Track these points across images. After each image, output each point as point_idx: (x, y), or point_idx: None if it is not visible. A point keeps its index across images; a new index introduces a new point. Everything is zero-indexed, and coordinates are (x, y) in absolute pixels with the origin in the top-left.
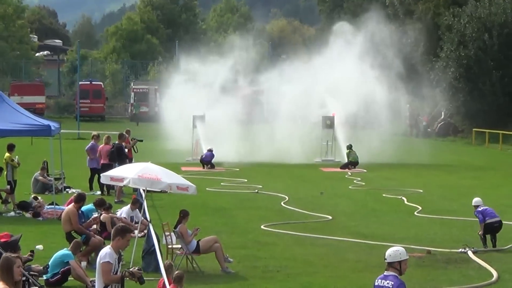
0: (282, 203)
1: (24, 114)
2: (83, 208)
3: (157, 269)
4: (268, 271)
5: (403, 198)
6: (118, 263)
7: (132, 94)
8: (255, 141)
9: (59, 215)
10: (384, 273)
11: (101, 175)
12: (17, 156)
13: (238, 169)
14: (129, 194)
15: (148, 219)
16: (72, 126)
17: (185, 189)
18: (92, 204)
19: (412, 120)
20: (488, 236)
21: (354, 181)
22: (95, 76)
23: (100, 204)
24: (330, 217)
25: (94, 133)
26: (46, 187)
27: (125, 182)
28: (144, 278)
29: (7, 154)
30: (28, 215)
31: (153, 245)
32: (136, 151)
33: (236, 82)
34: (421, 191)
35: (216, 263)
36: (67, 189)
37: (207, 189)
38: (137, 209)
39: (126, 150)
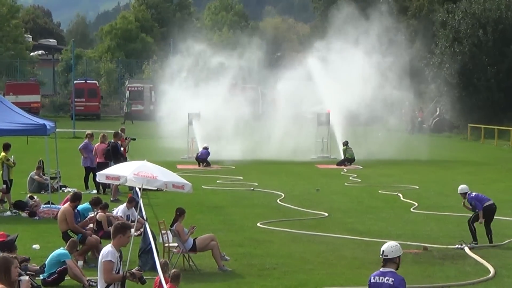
0: (278, 201)
1: (20, 114)
2: (79, 207)
3: (154, 267)
4: (265, 269)
5: (399, 194)
6: (120, 261)
7: (127, 92)
8: (251, 139)
9: (55, 214)
10: (381, 270)
11: (96, 173)
12: (12, 156)
13: (234, 167)
14: (125, 192)
15: (145, 217)
16: (68, 125)
17: (181, 187)
18: (88, 203)
19: (408, 116)
20: (479, 231)
21: (350, 178)
22: (90, 75)
23: (96, 203)
24: (326, 214)
25: (88, 132)
26: (42, 186)
27: (121, 181)
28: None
29: (2, 154)
30: (24, 214)
31: (150, 243)
32: (127, 150)
33: (231, 79)
34: (417, 187)
35: (213, 261)
36: (63, 188)
37: (203, 187)
38: (133, 208)
39: (122, 148)
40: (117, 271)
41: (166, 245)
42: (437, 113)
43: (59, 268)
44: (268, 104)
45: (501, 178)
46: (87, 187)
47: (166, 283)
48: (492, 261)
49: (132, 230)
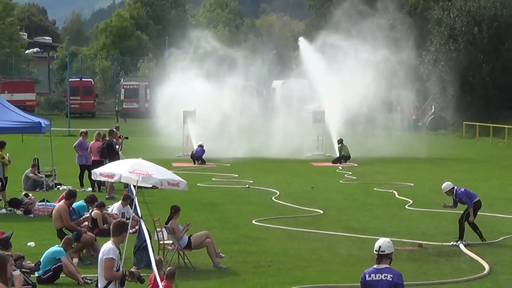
0: (273, 198)
1: (15, 112)
2: (74, 204)
3: (149, 265)
4: (260, 266)
5: (394, 191)
6: (119, 258)
7: (122, 90)
8: (246, 137)
9: (50, 212)
10: (375, 266)
11: (91, 171)
12: (8, 153)
13: (229, 165)
14: (120, 190)
15: (140, 215)
16: (63, 123)
17: (176, 185)
18: (83, 200)
19: (403, 114)
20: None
21: (345, 175)
22: (85, 73)
23: (91, 201)
24: (321, 212)
25: (82, 130)
26: (37, 184)
27: (115, 178)
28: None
29: None
30: (19, 212)
31: (145, 241)
32: (120, 148)
33: (226, 77)
34: (412, 184)
35: (208, 259)
36: (58, 186)
37: (198, 184)
38: (128, 205)
39: (117, 146)
40: (117, 269)
41: (161, 242)
42: (432, 110)
43: (54, 266)
44: (264, 102)
45: (496, 175)
46: (82, 185)
47: (161, 281)
48: (487, 258)
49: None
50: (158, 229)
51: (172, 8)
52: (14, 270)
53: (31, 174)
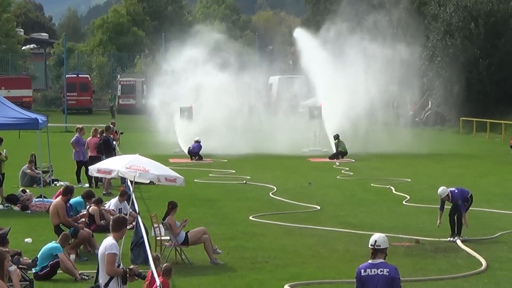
0: (270, 194)
1: (11, 108)
2: (72, 201)
3: (146, 261)
4: (257, 262)
5: (391, 187)
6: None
7: (119, 86)
8: (243, 133)
9: (47, 208)
10: (370, 261)
11: (88, 167)
12: (5, 150)
13: (226, 160)
14: (117, 186)
15: (137, 211)
16: (59, 119)
17: (173, 181)
18: (80, 196)
19: (400, 110)
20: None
21: (342, 171)
22: (82, 69)
23: (88, 196)
24: (319, 207)
25: (78, 126)
26: (34, 180)
27: (113, 174)
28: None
29: None
30: (16, 208)
31: (142, 237)
32: (118, 144)
33: (223, 73)
34: (409, 180)
35: (205, 255)
36: (55, 182)
37: (195, 180)
38: (125, 201)
39: (114, 142)
40: (117, 265)
41: (158, 238)
42: (429, 106)
43: (51, 262)
44: (260, 98)
45: (492, 171)
46: (79, 181)
47: (158, 277)
48: (484, 254)
49: None
50: (155, 225)
51: (168, 4)
52: (10, 266)
53: (28, 170)
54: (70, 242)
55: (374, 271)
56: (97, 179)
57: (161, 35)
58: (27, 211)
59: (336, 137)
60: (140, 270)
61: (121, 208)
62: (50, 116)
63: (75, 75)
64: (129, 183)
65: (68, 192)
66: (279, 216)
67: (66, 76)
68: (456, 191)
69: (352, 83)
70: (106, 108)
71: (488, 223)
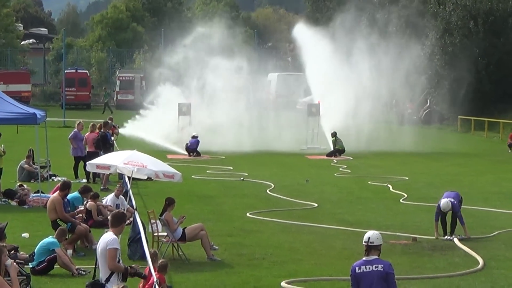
0: (267, 191)
1: (10, 103)
2: (69, 196)
3: (143, 257)
4: (254, 259)
5: (389, 185)
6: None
7: (118, 82)
8: (242, 129)
9: (45, 203)
10: (364, 259)
11: (87, 163)
12: (2, 145)
13: (224, 157)
14: (115, 182)
15: (134, 206)
16: (58, 114)
17: (171, 177)
18: (77, 192)
19: (398, 108)
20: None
21: (340, 169)
22: (81, 65)
23: (85, 191)
24: (316, 205)
25: (78, 121)
26: (32, 175)
27: (111, 170)
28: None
29: None
30: (13, 203)
31: (139, 233)
32: (115, 139)
33: (222, 70)
34: (407, 178)
35: (202, 251)
36: (52, 177)
37: (192, 176)
38: (123, 197)
39: (113, 138)
40: (118, 260)
41: (156, 234)
42: (427, 104)
43: (48, 257)
44: (259, 95)
45: (490, 170)
46: (76, 176)
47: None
48: (481, 253)
49: None
50: (153, 221)
51: (168, 0)
52: (6, 261)
53: (26, 165)
54: (67, 238)
55: (369, 268)
56: (95, 175)
57: (160, 31)
58: (25, 206)
59: (334, 134)
60: (134, 266)
61: (119, 204)
62: (49, 111)
63: (74, 70)
64: (126, 179)
65: (65, 187)
66: (277, 213)
67: (65, 71)
68: (455, 202)
69: (350, 81)
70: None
71: (485, 222)
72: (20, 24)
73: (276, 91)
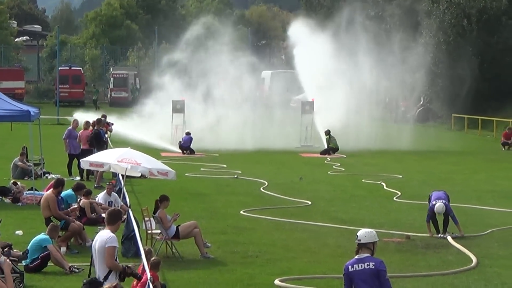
0: (261, 189)
1: (4, 100)
2: (63, 193)
3: (137, 254)
4: (247, 256)
5: (383, 183)
6: None
7: (112, 79)
8: (235, 127)
9: (39, 201)
10: (356, 257)
11: (80, 160)
12: None
13: (217, 155)
14: (109, 179)
15: (128, 204)
16: (52, 111)
17: (164, 174)
18: (71, 189)
19: (391, 106)
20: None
21: (334, 167)
22: (75, 62)
23: (78, 188)
24: (310, 203)
25: (74, 119)
26: (26, 173)
27: (105, 168)
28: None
29: None
30: (7, 200)
31: (133, 230)
32: (109, 136)
33: (215, 68)
34: (401, 176)
35: (196, 248)
36: (46, 175)
37: (186, 174)
38: (116, 194)
39: (106, 135)
40: (115, 258)
41: (149, 232)
42: (421, 102)
43: (42, 254)
44: (252, 92)
45: (484, 168)
46: (70, 174)
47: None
48: (475, 251)
49: None
50: (146, 219)
51: None
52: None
53: (20, 163)
54: (60, 235)
55: (361, 266)
56: (89, 172)
57: (154, 29)
58: (18, 204)
59: (327, 132)
60: (130, 264)
61: (111, 201)
62: (42, 108)
63: (68, 68)
64: (120, 176)
65: (59, 185)
66: (270, 211)
67: (59, 68)
68: (447, 203)
69: (344, 79)
70: (99, 101)
71: (479, 220)
72: (14, 21)
73: (270, 89)
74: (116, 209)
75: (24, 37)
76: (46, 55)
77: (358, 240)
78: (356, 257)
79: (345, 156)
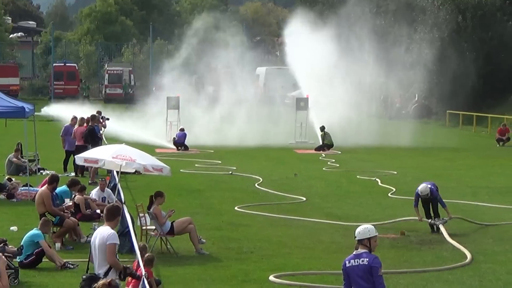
0: (256, 185)
1: None
2: (57, 189)
3: (132, 250)
4: (242, 253)
5: (377, 179)
6: None
7: (106, 75)
8: (229, 123)
9: (33, 197)
10: (354, 253)
11: (75, 156)
12: None
13: (212, 151)
14: (104, 175)
15: (123, 200)
16: None
17: (159, 170)
18: (65, 185)
19: (386, 102)
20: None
21: (328, 163)
22: (69, 58)
23: (73, 184)
24: (304, 199)
25: (73, 115)
26: (20, 169)
27: (100, 164)
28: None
29: None
30: (2, 196)
31: (128, 226)
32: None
33: (209, 63)
34: (395, 172)
35: (190, 245)
36: (41, 171)
37: (181, 170)
38: (110, 190)
39: (101, 131)
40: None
41: (144, 228)
42: (416, 99)
43: (36, 250)
44: (247, 88)
45: (478, 164)
46: (65, 170)
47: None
48: (469, 247)
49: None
50: (141, 215)
51: None
52: None
53: (14, 159)
54: (54, 230)
55: (357, 262)
56: (83, 168)
57: (148, 25)
58: (13, 200)
59: (322, 128)
60: (124, 260)
61: (105, 197)
62: (37, 104)
63: (63, 64)
64: (115, 172)
65: (53, 181)
66: (265, 207)
67: (54, 64)
68: (433, 187)
69: (339, 75)
70: (93, 97)
71: (474, 216)
72: (8, 17)
73: (264, 85)
74: (115, 205)
75: (19, 33)
76: (40, 51)
77: (355, 237)
78: (354, 252)
79: (340, 152)
